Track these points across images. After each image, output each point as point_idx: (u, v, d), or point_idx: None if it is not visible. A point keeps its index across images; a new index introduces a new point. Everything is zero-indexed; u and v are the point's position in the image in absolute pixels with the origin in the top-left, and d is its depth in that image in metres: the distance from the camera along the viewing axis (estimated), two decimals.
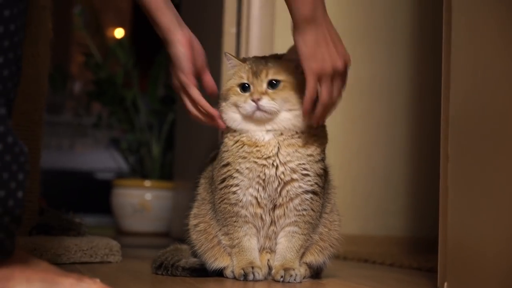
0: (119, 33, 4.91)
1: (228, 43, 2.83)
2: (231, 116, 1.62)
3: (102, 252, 1.99)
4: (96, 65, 4.16)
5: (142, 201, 3.96)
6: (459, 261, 1.49)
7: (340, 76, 1.56)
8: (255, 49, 2.72)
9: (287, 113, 1.59)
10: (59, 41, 2.19)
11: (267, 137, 1.60)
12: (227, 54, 1.68)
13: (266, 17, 2.81)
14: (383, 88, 3.03)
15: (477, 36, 1.47)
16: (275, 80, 1.60)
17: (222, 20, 2.85)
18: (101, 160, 4.87)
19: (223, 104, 1.64)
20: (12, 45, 1.12)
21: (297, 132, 1.60)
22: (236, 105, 1.61)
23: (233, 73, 1.65)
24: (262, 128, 1.60)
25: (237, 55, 2.55)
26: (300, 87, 1.59)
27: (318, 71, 1.53)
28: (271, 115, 1.59)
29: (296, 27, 1.51)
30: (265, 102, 1.58)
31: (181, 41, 1.63)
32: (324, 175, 1.64)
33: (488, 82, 1.43)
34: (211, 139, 2.91)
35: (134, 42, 4.13)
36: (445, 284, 1.53)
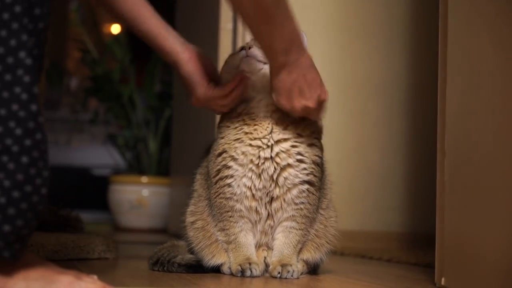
0: (115, 29, 4.90)
1: (225, 39, 2.83)
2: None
3: (99, 249, 1.99)
4: (92, 61, 4.15)
5: (139, 197, 3.96)
6: (456, 256, 1.49)
7: (313, 111, 1.58)
8: None
9: None
10: (55, 37, 2.19)
11: (262, 112, 1.60)
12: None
13: None
14: (380, 84, 3.03)
15: (473, 32, 1.47)
16: None
17: (219, 16, 2.85)
18: (98, 156, 4.87)
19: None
20: (39, 42, 1.14)
21: None
22: (229, 65, 1.64)
23: None
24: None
25: (233, 51, 2.54)
26: None
27: (287, 109, 1.57)
28: (259, 65, 1.59)
29: (271, 69, 1.55)
30: (255, 49, 1.61)
31: (188, 59, 1.63)
32: (320, 165, 1.64)
33: (485, 77, 1.43)
34: (208, 134, 2.91)
35: (131, 38, 4.12)
36: (443, 279, 1.53)
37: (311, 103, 1.54)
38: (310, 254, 1.65)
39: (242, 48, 1.64)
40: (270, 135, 1.59)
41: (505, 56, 1.36)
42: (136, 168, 4.23)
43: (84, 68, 4.53)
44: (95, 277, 1.24)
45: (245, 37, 2.71)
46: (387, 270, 2.02)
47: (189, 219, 1.68)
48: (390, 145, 3.03)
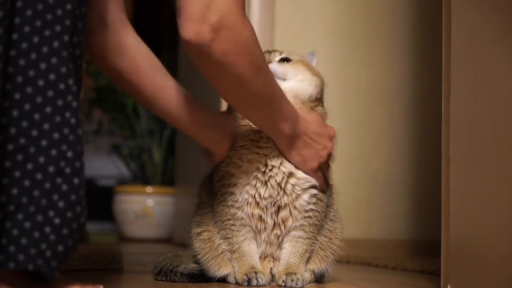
0: None
1: None
2: None
3: (105, 259, 1.99)
4: (96, 72, 4.16)
5: (144, 207, 3.95)
6: (462, 264, 1.49)
7: (327, 159, 1.63)
8: None
9: (297, 82, 1.60)
10: None
11: None
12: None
13: (266, 21, 2.81)
14: (383, 91, 3.03)
15: (477, 38, 1.47)
16: (288, 59, 1.63)
17: None
18: (102, 166, 4.87)
19: None
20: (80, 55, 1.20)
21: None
22: None
23: None
24: None
25: None
26: (312, 70, 1.63)
27: (309, 171, 1.59)
28: (279, 81, 1.57)
29: (279, 145, 1.57)
30: (276, 65, 1.60)
31: (222, 155, 1.62)
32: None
33: (489, 83, 1.43)
34: None
35: None
36: (448, 287, 1.52)
37: (323, 154, 1.60)
38: (316, 265, 1.65)
39: None
40: (270, 148, 1.59)
41: (509, 62, 1.36)
42: (140, 178, 4.23)
43: (88, 78, 4.53)
44: (101, 287, 1.25)
45: None
46: (392, 278, 2.02)
47: (195, 229, 1.66)
48: (394, 153, 3.03)
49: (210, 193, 1.65)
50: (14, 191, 1.10)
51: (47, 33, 1.13)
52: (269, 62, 1.59)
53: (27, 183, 1.11)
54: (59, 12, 1.14)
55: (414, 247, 2.97)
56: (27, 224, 1.10)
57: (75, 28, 1.17)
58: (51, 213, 1.12)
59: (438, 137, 1.59)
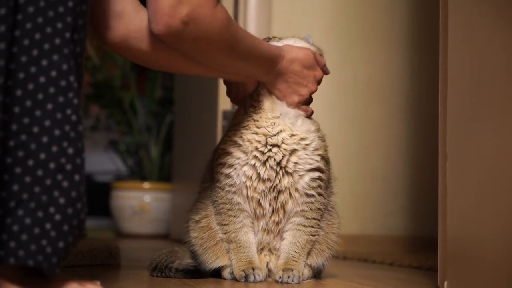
0: None
1: None
2: None
3: (102, 255, 1.99)
4: (93, 68, 4.16)
5: (141, 203, 3.96)
6: (459, 259, 1.49)
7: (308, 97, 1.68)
8: None
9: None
10: None
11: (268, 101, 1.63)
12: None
13: (263, 18, 2.82)
14: (380, 88, 3.03)
15: (473, 35, 1.47)
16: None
17: None
18: (99, 162, 4.87)
19: None
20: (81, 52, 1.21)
21: None
22: None
23: None
24: None
25: None
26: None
27: (289, 104, 1.64)
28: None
29: (265, 84, 1.64)
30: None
31: (254, 85, 1.67)
32: (326, 157, 1.64)
33: (485, 80, 1.43)
34: (209, 139, 2.91)
35: None
36: (445, 283, 1.53)
37: (305, 92, 1.65)
38: (313, 260, 1.64)
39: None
40: (274, 124, 1.59)
41: (506, 59, 1.36)
42: (138, 174, 4.23)
43: (85, 74, 4.53)
44: (98, 283, 1.25)
45: None
46: (389, 274, 2.02)
47: (194, 217, 1.66)
48: (391, 149, 3.03)
49: (212, 171, 1.65)
50: (15, 187, 1.11)
51: (48, 30, 1.14)
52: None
53: (28, 179, 1.11)
54: (61, 9, 1.15)
55: (411, 243, 2.98)
56: (28, 220, 1.10)
57: (76, 25, 1.17)
58: (52, 210, 1.12)
59: (435, 133, 1.60)
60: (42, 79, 1.13)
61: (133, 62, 1.57)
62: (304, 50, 1.65)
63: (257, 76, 1.61)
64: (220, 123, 2.82)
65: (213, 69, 1.55)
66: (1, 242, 1.10)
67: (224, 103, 2.81)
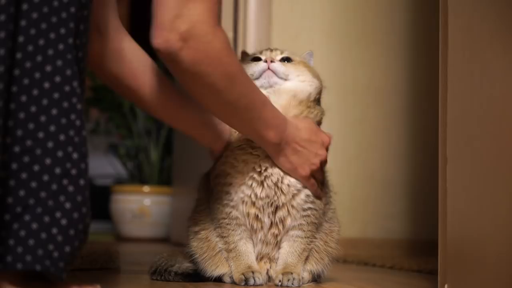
0: None
1: None
2: None
3: (102, 259, 1.99)
4: (93, 72, 4.16)
5: (141, 206, 3.96)
6: (459, 263, 1.49)
7: (320, 166, 1.62)
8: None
9: (298, 83, 1.60)
10: None
11: None
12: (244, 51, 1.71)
13: (263, 21, 2.82)
14: (380, 91, 3.03)
15: (473, 37, 1.47)
16: (290, 59, 1.63)
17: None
18: (99, 166, 4.86)
19: None
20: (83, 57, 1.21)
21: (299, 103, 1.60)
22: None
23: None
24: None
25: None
26: (313, 71, 1.64)
27: (300, 178, 1.58)
28: (280, 81, 1.58)
29: (268, 152, 1.56)
30: (278, 65, 1.60)
31: (219, 152, 1.62)
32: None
33: (485, 82, 1.43)
34: None
35: None
36: (446, 286, 1.53)
37: (315, 161, 1.59)
38: (312, 267, 1.65)
39: (257, 58, 1.63)
40: None
41: (507, 61, 1.36)
42: (137, 177, 4.23)
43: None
44: (98, 287, 1.25)
45: (246, 46, 2.72)
46: (390, 277, 2.02)
47: (193, 228, 1.66)
48: (390, 152, 3.03)
49: (208, 189, 1.65)
50: (21, 192, 1.11)
51: (52, 35, 1.14)
52: (272, 61, 1.60)
53: (34, 184, 1.12)
54: (64, 15, 1.15)
55: (411, 246, 2.98)
56: (35, 225, 1.11)
57: (78, 30, 1.18)
58: (58, 214, 1.12)
59: (435, 136, 1.60)
60: (46, 85, 1.13)
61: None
62: (303, 119, 1.60)
63: (264, 141, 1.53)
64: None
65: (198, 117, 1.53)
66: (9, 248, 1.10)
67: None
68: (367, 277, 2.02)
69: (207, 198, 1.65)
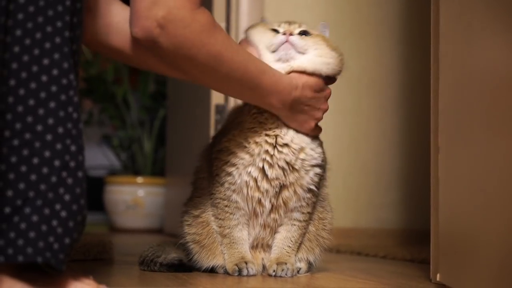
0: None
1: None
2: None
3: (95, 250, 1.99)
4: (86, 62, 4.15)
5: (134, 197, 3.96)
6: (451, 252, 1.50)
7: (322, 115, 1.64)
8: None
9: (315, 57, 1.59)
10: None
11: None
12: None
13: (255, 11, 2.81)
14: (372, 81, 3.03)
15: (465, 27, 1.48)
16: (308, 32, 1.62)
17: (211, 13, 2.85)
18: (92, 157, 4.86)
19: None
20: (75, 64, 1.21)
21: None
22: (263, 43, 1.58)
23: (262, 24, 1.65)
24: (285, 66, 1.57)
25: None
26: (330, 44, 1.63)
27: (306, 131, 1.60)
28: (297, 55, 1.58)
29: (278, 116, 1.58)
30: (296, 38, 1.59)
31: None
32: (324, 152, 1.65)
33: (477, 72, 1.43)
34: (202, 134, 2.91)
35: None
36: (438, 275, 1.53)
37: (318, 115, 1.61)
38: (304, 255, 1.65)
39: (275, 31, 1.61)
40: (280, 125, 1.58)
41: (497, 52, 1.36)
42: (131, 168, 4.23)
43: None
44: (91, 277, 1.25)
45: (238, 36, 2.71)
46: (382, 266, 2.03)
47: (193, 211, 1.63)
48: (383, 142, 3.04)
49: (210, 160, 1.63)
50: (21, 185, 1.12)
51: (49, 29, 1.14)
52: (291, 34, 1.58)
53: (33, 177, 1.12)
54: (60, 8, 1.15)
55: (403, 236, 2.99)
56: (35, 218, 1.11)
57: (72, 23, 1.18)
58: (58, 206, 1.13)
59: (427, 126, 1.60)
60: (44, 78, 1.14)
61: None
62: (312, 77, 1.60)
63: (268, 106, 1.54)
64: (213, 117, 2.82)
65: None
66: (10, 240, 1.10)
67: (217, 97, 2.80)
68: (360, 267, 2.02)
69: (208, 168, 1.63)
